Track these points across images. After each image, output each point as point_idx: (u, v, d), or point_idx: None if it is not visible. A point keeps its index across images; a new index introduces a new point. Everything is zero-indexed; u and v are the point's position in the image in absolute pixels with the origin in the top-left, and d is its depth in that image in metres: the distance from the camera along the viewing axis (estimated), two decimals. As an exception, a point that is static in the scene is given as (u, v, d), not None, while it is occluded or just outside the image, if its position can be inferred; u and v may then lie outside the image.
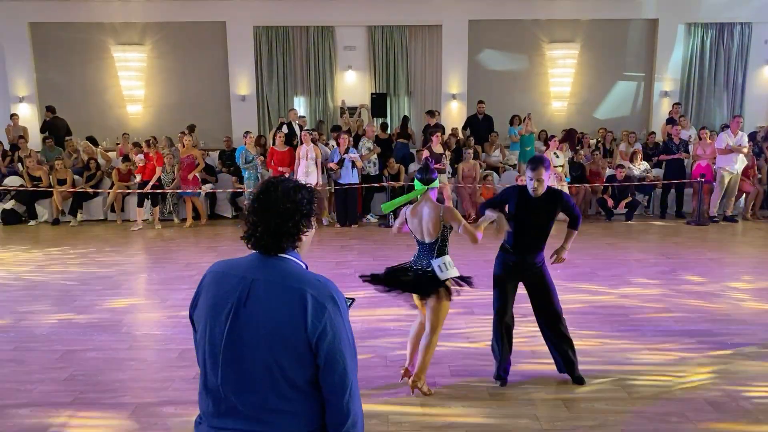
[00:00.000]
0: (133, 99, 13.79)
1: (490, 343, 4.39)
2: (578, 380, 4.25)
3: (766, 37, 13.92)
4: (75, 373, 4.52)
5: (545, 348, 4.41)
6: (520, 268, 4.21)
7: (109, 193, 10.95)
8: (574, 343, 4.34)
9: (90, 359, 4.79)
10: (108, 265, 7.85)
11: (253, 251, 1.84)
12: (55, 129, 12.70)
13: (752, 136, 11.86)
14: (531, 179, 4.03)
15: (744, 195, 11.12)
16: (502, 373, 4.25)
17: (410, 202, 4.17)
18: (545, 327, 4.27)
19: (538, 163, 4.03)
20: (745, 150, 10.48)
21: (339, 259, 8.01)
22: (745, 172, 10.80)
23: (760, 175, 11.35)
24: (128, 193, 10.93)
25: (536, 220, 4.13)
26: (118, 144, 12.70)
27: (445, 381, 4.31)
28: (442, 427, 3.69)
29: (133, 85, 13.73)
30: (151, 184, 10.38)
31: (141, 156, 10.46)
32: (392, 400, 4.04)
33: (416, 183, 4.08)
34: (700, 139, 11.13)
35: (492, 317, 4.30)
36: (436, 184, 4.06)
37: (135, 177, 10.58)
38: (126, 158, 11.28)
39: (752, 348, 4.90)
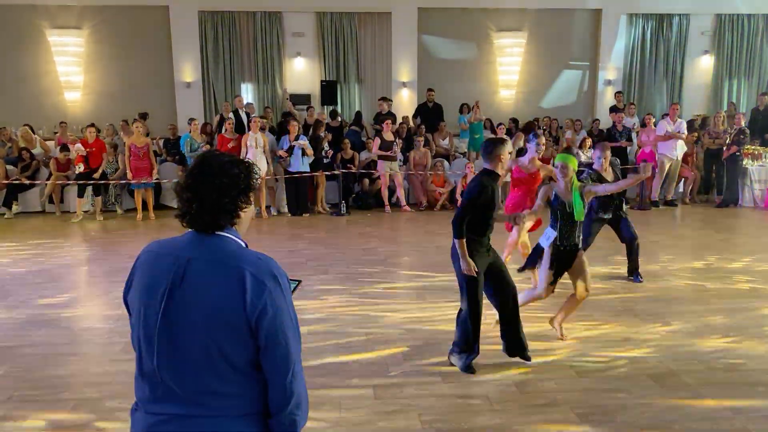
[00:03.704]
0: (71, 85, 13.20)
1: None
2: (526, 358, 4.32)
3: (702, 28, 14.45)
4: (10, 371, 4.29)
5: (492, 330, 4.50)
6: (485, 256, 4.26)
7: (47, 183, 10.46)
8: (523, 323, 4.39)
9: (26, 355, 4.55)
10: (47, 258, 7.50)
11: (189, 230, 1.75)
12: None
13: (690, 124, 12.30)
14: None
15: (683, 180, 11.54)
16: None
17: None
18: (502, 307, 4.30)
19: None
20: (684, 136, 10.86)
21: (291, 248, 7.90)
22: (685, 159, 11.21)
23: (697, 161, 11.80)
24: (68, 184, 10.45)
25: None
26: (56, 133, 12.15)
27: (396, 366, 4.30)
28: (393, 412, 3.68)
29: (70, 71, 13.13)
30: (100, 171, 9.97)
31: (79, 145, 9.99)
32: (344, 385, 4.00)
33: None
34: (644, 126, 11.46)
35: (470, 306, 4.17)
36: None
37: (76, 168, 10.04)
38: (64, 147, 10.77)
39: (691, 325, 5.09)
